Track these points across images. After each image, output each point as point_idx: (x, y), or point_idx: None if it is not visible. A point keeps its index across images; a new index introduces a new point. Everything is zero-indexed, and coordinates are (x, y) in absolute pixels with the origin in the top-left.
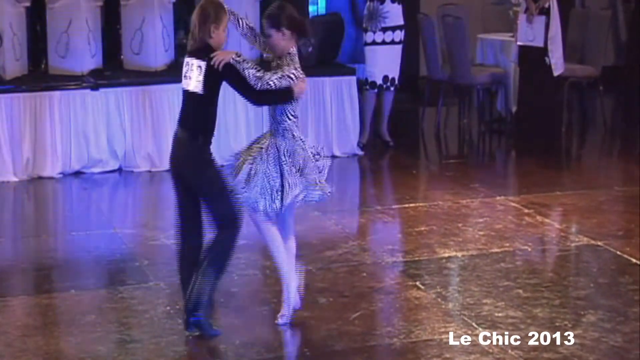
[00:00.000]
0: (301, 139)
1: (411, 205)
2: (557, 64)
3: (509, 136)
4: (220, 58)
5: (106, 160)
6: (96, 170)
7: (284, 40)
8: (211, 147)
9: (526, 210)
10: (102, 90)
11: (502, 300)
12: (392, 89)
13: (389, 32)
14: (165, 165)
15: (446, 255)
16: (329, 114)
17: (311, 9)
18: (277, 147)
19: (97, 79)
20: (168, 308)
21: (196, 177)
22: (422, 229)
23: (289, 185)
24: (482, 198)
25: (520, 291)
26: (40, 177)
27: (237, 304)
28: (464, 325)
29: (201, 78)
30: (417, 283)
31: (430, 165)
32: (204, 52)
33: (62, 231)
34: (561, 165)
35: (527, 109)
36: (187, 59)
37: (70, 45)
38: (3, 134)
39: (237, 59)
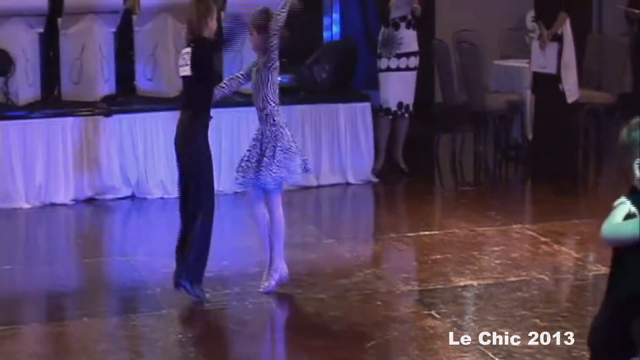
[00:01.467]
0: (281, 126)
1: (426, 233)
2: (570, 90)
3: (525, 163)
4: None
5: (119, 187)
6: (109, 196)
7: (261, 40)
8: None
9: (543, 239)
10: (115, 116)
11: (519, 330)
12: (406, 115)
13: (404, 58)
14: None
15: (462, 283)
16: (343, 141)
17: (325, 34)
18: (262, 133)
19: (110, 105)
20: (180, 336)
21: (189, 156)
22: (438, 257)
23: (270, 162)
24: (499, 226)
25: (537, 321)
26: (53, 204)
27: (250, 332)
28: (480, 356)
29: (189, 62)
30: (433, 312)
31: (446, 193)
32: (197, 42)
33: (75, 258)
34: (578, 193)
35: (543, 136)
36: (182, 50)
37: (83, 71)
38: (15, 160)
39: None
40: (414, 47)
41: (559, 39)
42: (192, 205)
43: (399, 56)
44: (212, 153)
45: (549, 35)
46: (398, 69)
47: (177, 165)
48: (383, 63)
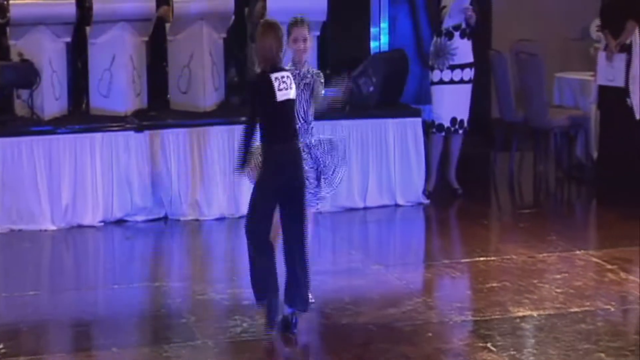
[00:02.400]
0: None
1: (481, 259)
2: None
3: (590, 184)
4: None
5: (151, 208)
6: (140, 218)
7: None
8: None
9: (609, 266)
10: (147, 132)
11: None
12: (460, 132)
13: (458, 70)
14: (214, 213)
15: (520, 314)
16: (392, 159)
17: (373, 44)
18: (308, 146)
19: (142, 120)
20: None
21: (303, 184)
22: (494, 285)
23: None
24: (560, 252)
25: (603, 355)
26: (80, 226)
27: None
28: None
29: (294, 85)
30: (489, 345)
31: (503, 216)
32: (281, 67)
33: (103, 284)
34: None
35: (609, 155)
36: (274, 75)
37: (113, 84)
38: (41, 179)
39: None
40: (469, 58)
41: (627, 49)
42: (298, 227)
43: (452, 68)
44: (216, 175)
45: (616, 45)
46: (452, 82)
47: (278, 194)
48: (435, 75)
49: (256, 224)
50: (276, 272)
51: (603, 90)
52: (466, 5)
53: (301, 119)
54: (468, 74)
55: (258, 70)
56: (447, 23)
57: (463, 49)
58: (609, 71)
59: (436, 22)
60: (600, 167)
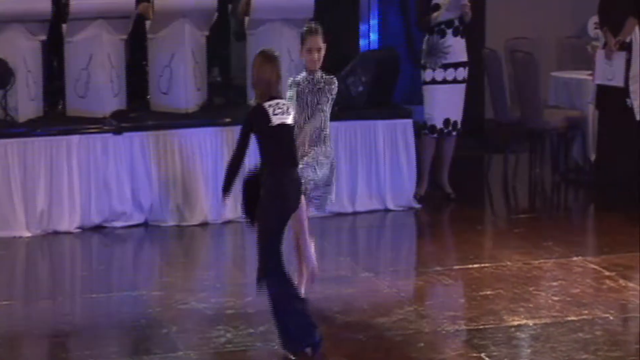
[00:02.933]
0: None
1: (475, 265)
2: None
3: (587, 188)
4: None
5: (130, 213)
6: (119, 224)
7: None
8: None
9: (607, 273)
10: (126, 134)
11: None
12: (454, 133)
13: (451, 70)
14: (197, 219)
15: (515, 323)
16: (382, 162)
17: (362, 43)
18: (324, 154)
19: (121, 122)
20: None
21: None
22: (488, 293)
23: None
24: (557, 258)
25: None
26: (56, 232)
27: None
28: None
29: (291, 111)
30: (482, 355)
31: (497, 221)
32: (279, 97)
33: (81, 293)
34: None
35: (608, 157)
36: (268, 103)
37: (90, 84)
38: (15, 184)
39: None
40: (463, 57)
41: (627, 47)
42: None
43: (445, 67)
44: (198, 179)
45: (616, 43)
46: (444, 82)
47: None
48: (427, 75)
49: (276, 260)
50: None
51: (602, 90)
52: (464, 2)
53: (318, 125)
54: (462, 73)
55: (253, 102)
56: (442, 17)
57: (456, 47)
58: (607, 70)
59: (421, 18)
60: (599, 169)
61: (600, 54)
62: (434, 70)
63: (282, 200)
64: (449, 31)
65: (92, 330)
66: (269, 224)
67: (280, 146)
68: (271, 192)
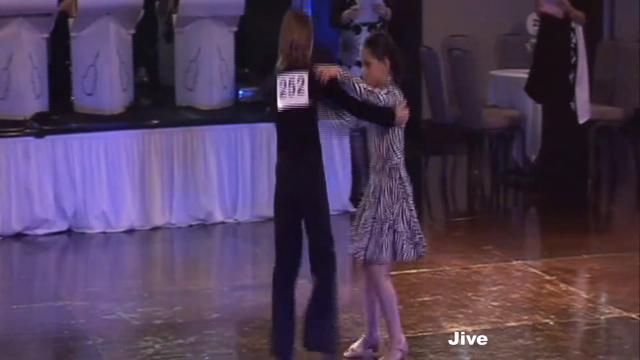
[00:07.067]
0: (407, 184)
1: (412, 271)
2: (582, 109)
3: (528, 190)
4: (327, 72)
5: (53, 220)
6: (41, 231)
7: (381, 71)
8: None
9: (548, 277)
10: (48, 137)
11: None
12: None
13: None
14: (123, 225)
15: (454, 330)
16: None
17: None
18: (382, 188)
19: (43, 124)
20: None
21: (310, 198)
22: (426, 299)
23: (398, 233)
24: (496, 262)
25: None
26: None
27: None
28: None
29: (305, 87)
30: None
31: (435, 224)
32: (301, 66)
33: (1, 304)
34: (588, 224)
35: (549, 158)
36: (282, 77)
37: (10, 85)
38: None
39: (345, 74)
40: None
41: (573, 50)
42: (318, 257)
43: (360, 64)
44: (164, 179)
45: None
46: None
47: (291, 216)
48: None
49: (279, 254)
50: (293, 325)
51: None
52: (377, 3)
53: (375, 156)
54: None
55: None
56: (359, 20)
57: None
58: None
59: (334, 15)
60: (539, 171)
61: None
62: (349, 67)
63: (278, 185)
64: (364, 28)
65: (13, 343)
66: (275, 218)
67: (283, 130)
68: (276, 173)
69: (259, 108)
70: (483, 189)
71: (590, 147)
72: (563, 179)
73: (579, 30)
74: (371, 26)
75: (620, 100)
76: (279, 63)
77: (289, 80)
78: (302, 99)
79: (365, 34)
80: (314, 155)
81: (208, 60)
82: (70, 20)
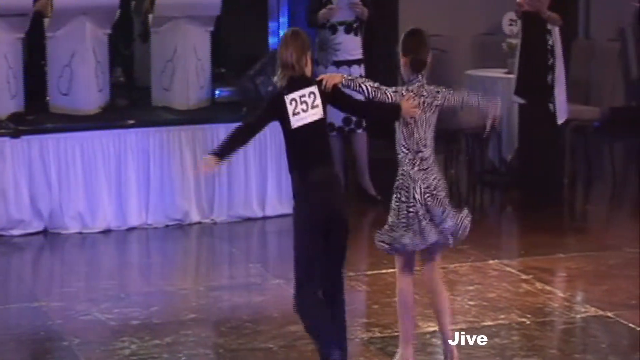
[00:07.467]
0: (409, 177)
1: (389, 270)
2: (561, 110)
3: (504, 189)
4: (331, 80)
5: (28, 221)
6: (16, 232)
7: (405, 66)
8: None
9: (524, 276)
10: (23, 137)
11: None
12: (358, 131)
13: (344, 67)
14: (99, 226)
15: (430, 329)
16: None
17: (272, 41)
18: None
19: (18, 125)
20: None
21: (344, 219)
22: None
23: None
24: (473, 262)
25: None
26: None
27: None
28: None
29: (318, 101)
30: None
31: None
32: (304, 82)
33: None
34: (564, 224)
35: (525, 158)
36: (290, 96)
37: None
38: None
39: (349, 77)
40: (357, 54)
41: (550, 51)
42: (338, 268)
43: (338, 64)
44: (140, 179)
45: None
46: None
47: (320, 241)
48: (321, 72)
49: (303, 281)
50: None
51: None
52: (354, 1)
53: (403, 147)
54: (356, 70)
55: (277, 80)
56: (335, 19)
57: (348, 45)
58: None
59: (310, 15)
60: (515, 170)
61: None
62: (326, 67)
63: (308, 200)
64: (341, 28)
65: None
66: (295, 236)
67: (304, 147)
68: (298, 194)
69: (235, 108)
70: (459, 189)
71: (566, 147)
72: (539, 178)
73: (556, 31)
74: (347, 26)
75: (596, 100)
76: (279, 80)
77: (300, 98)
78: (318, 114)
79: (341, 34)
80: (337, 172)
81: (184, 60)
82: (46, 20)
